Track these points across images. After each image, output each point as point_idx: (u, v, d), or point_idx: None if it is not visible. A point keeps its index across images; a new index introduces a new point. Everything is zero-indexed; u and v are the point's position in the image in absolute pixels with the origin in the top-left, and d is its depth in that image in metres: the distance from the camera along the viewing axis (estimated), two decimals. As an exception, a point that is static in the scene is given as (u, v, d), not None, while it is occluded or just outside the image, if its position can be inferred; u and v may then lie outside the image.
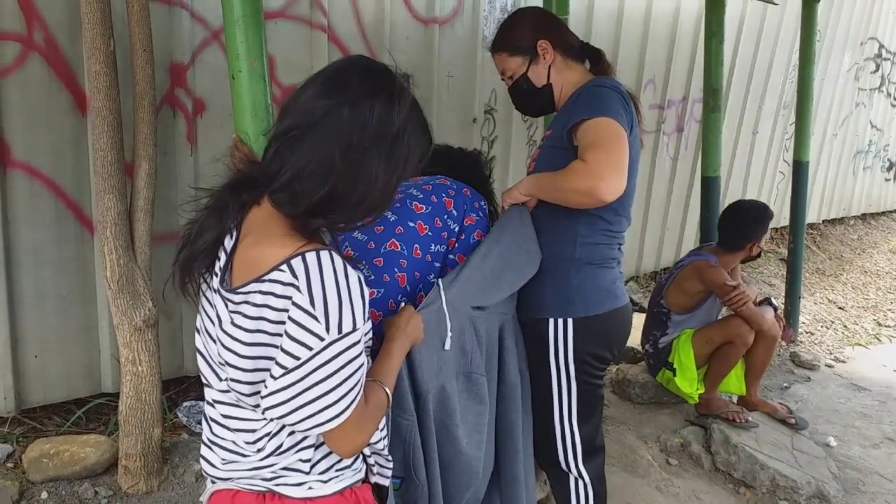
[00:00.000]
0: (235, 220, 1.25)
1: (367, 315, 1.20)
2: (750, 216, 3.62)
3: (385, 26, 3.51)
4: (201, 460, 1.38)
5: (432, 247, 1.85)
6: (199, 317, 1.32)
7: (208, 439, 1.35)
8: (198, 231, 1.26)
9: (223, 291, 1.23)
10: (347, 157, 1.17)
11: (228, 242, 1.26)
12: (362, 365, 1.19)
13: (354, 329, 1.16)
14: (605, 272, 2.06)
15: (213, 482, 1.37)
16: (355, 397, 1.18)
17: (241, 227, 1.25)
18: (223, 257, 1.26)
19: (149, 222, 2.45)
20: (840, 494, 3.23)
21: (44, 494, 2.44)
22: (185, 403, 3.01)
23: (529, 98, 2.14)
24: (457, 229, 1.88)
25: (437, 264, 1.86)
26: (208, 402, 1.35)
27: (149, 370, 2.45)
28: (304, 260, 1.15)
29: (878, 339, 5.57)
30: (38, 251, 2.66)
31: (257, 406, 1.21)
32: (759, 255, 3.73)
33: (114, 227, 2.33)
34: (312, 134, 1.17)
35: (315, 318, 1.13)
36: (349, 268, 1.18)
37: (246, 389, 1.22)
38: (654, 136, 5.35)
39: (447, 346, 1.76)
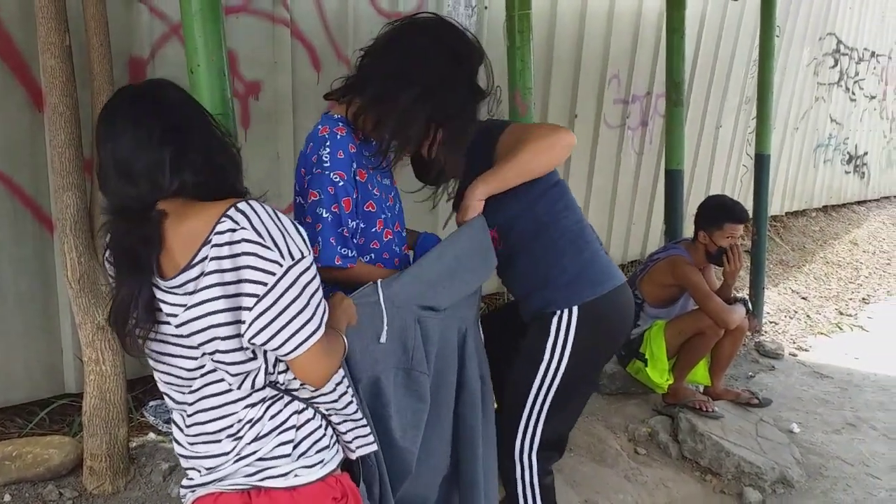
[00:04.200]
0: (156, 249, 1.26)
1: (308, 248, 1.29)
2: (708, 206, 3.63)
3: (349, 21, 3.49)
4: (185, 480, 1.41)
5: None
6: (148, 351, 1.35)
7: (187, 457, 1.38)
8: (117, 294, 1.29)
9: (172, 280, 1.25)
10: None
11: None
12: (320, 287, 1.29)
13: (303, 256, 1.26)
14: (595, 255, 2.13)
15: (193, 491, 1.38)
16: (323, 315, 1.29)
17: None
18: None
19: (110, 219, 2.41)
20: (803, 479, 3.30)
21: (7, 497, 2.40)
22: (152, 403, 2.96)
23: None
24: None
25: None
26: (181, 428, 1.37)
27: (113, 369, 2.42)
28: (237, 209, 1.23)
29: (839, 328, 5.70)
30: (-5, 250, 2.61)
31: (236, 375, 1.26)
32: (722, 255, 3.50)
33: (74, 225, 2.29)
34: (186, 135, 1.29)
35: (268, 247, 1.21)
36: (277, 209, 1.29)
37: (233, 357, 1.26)
38: (618, 130, 5.40)
39: (382, 340, 1.78)
